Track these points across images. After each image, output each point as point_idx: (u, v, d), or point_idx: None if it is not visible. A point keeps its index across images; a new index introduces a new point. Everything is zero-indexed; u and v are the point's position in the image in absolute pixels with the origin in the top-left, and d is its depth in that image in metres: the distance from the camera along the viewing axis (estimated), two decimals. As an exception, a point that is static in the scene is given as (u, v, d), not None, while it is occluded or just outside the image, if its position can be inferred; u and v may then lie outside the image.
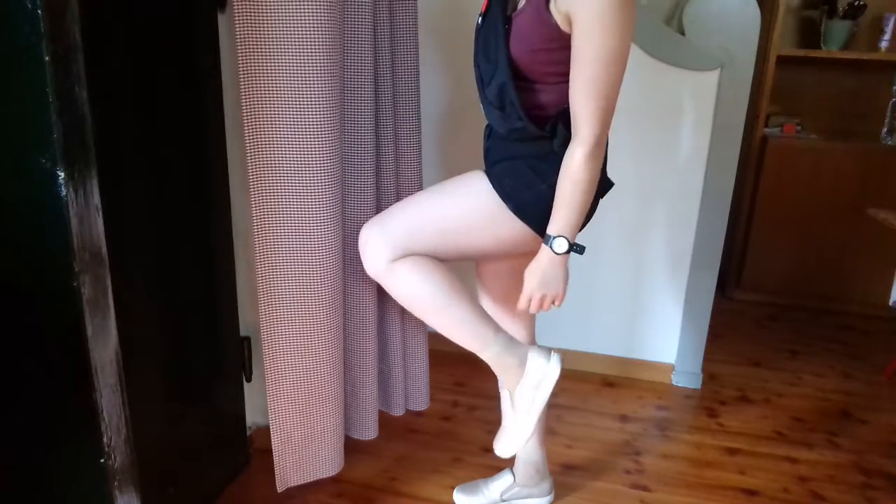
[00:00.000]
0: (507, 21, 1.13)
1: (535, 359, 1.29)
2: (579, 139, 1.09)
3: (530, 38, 1.10)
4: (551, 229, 1.15)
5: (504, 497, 1.60)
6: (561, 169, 1.13)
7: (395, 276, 1.24)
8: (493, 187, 1.21)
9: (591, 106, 1.07)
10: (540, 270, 1.18)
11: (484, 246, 1.25)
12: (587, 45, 1.03)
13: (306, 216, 1.35)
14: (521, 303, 1.21)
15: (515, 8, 1.15)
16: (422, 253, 1.23)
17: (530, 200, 1.19)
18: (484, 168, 1.29)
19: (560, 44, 1.08)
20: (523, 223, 1.20)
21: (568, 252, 1.16)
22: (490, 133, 1.31)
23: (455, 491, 1.62)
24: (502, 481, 1.61)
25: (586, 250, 1.88)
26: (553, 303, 1.20)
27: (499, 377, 1.34)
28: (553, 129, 1.16)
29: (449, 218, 1.23)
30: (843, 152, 2.86)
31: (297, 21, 1.22)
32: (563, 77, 1.12)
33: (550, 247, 1.15)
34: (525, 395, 1.29)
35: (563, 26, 1.06)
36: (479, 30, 1.20)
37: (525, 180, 1.19)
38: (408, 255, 1.23)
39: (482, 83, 1.21)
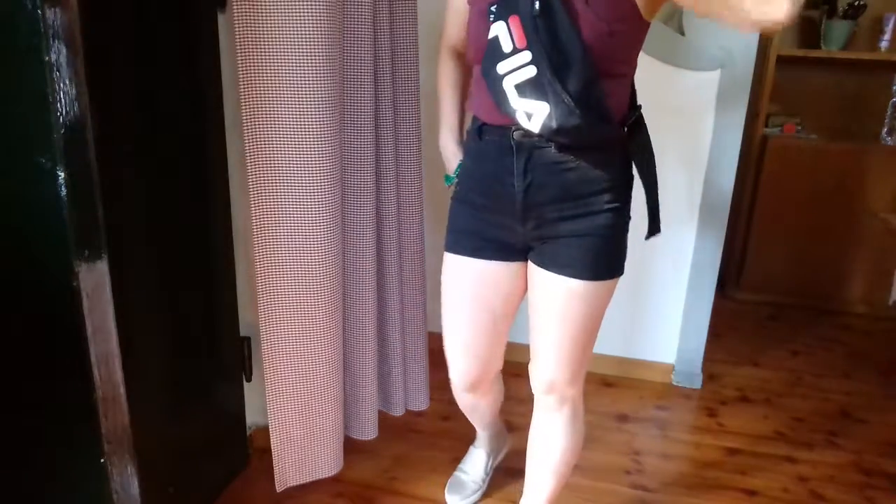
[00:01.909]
0: (567, 3, 0.96)
1: None
2: None
3: (607, 17, 0.96)
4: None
5: (488, 472, 1.66)
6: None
7: (580, 417, 1.27)
8: (613, 279, 1.14)
9: None
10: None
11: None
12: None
13: (306, 216, 1.35)
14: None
15: None
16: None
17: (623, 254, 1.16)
18: (514, 210, 1.11)
19: (632, 24, 0.99)
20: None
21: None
22: (527, 156, 1.07)
23: (446, 493, 1.62)
24: (478, 460, 1.66)
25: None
26: None
27: None
28: (629, 132, 1.08)
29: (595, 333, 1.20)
30: (843, 152, 2.86)
31: (297, 21, 1.22)
32: (629, 70, 1.06)
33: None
34: None
35: (642, 6, 0.98)
36: (532, 17, 0.96)
37: (624, 235, 1.15)
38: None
39: (557, 82, 0.95)
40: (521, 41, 0.97)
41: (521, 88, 0.98)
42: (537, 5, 0.95)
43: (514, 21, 0.97)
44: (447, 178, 1.31)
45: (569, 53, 0.95)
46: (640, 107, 1.11)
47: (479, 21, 1.04)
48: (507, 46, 0.98)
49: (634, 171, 1.16)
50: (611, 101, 1.02)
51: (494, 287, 1.20)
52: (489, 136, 1.11)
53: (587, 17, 0.95)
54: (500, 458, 1.71)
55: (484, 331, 1.24)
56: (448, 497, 1.60)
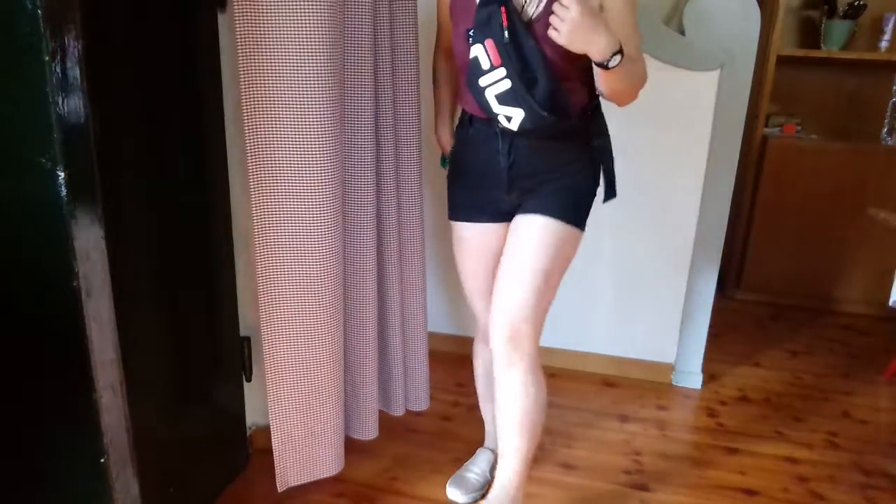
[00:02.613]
0: (528, 25, 1.19)
1: None
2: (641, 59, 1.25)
3: None
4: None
5: (493, 475, 1.61)
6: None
7: (538, 373, 1.34)
8: (576, 227, 1.32)
9: (639, 48, 1.25)
10: (592, 22, 1.09)
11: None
12: (624, 19, 1.20)
13: (306, 216, 1.35)
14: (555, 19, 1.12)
15: (529, 16, 1.20)
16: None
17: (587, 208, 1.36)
18: (500, 182, 1.33)
19: None
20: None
21: (606, 62, 1.12)
22: (510, 141, 1.28)
23: (448, 486, 1.62)
24: (484, 460, 1.67)
25: (585, 250, 1.90)
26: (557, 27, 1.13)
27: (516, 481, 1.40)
28: (583, 122, 1.30)
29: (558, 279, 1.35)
30: (843, 152, 2.86)
31: (297, 21, 1.22)
32: (586, 74, 1.24)
33: (615, 41, 1.11)
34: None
35: None
36: (507, 42, 1.17)
37: (587, 198, 1.35)
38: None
39: (525, 91, 1.17)
40: (496, 60, 1.18)
41: (501, 97, 1.19)
42: (506, 35, 1.17)
43: (490, 43, 1.18)
44: (444, 160, 1.55)
45: (535, 70, 1.17)
46: (598, 95, 1.31)
47: (461, 41, 1.25)
48: (485, 64, 1.19)
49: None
50: (574, 98, 1.25)
51: (487, 241, 1.42)
52: (478, 125, 1.33)
53: (548, 39, 1.12)
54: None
55: (488, 277, 1.44)
56: (449, 490, 1.61)
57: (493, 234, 1.41)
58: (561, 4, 1.08)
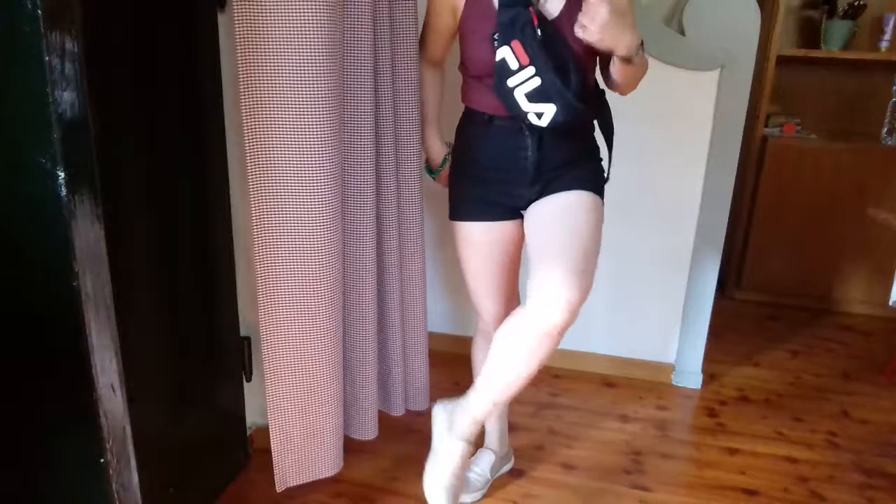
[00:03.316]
0: (552, 23, 1.24)
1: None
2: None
3: None
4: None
5: (493, 474, 1.67)
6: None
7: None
8: (598, 196, 1.36)
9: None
10: (622, 20, 1.16)
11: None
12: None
13: (306, 216, 1.35)
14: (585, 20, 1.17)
15: (550, 14, 1.25)
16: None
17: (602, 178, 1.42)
18: (525, 179, 1.34)
19: None
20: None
21: (629, 55, 1.21)
22: (539, 139, 1.31)
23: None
24: (485, 461, 1.67)
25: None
26: (588, 25, 1.17)
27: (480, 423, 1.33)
28: (603, 101, 1.40)
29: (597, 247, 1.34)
30: (843, 152, 2.86)
31: (297, 21, 1.22)
32: (594, 62, 1.33)
33: (639, 50, 1.23)
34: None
35: None
36: (537, 39, 1.21)
37: (601, 173, 1.41)
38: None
39: (561, 86, 1.21)
40: (524, 60, 1.21)
41: (530, 96, 1.23)
42: (539, 33, 1.21)
43: (517, 45, 1.21)
44: (431, 170, 1.57)
45: (566, 63, 1.22)
46: (598, 88, 1.40)
47: (482, 46, 1.26)
48: (513, 65, 1.22)
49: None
50: (589, 89, 1.31)
51: (497, 240, 1.43)
52: (500, 123, 1.33)
53: (573, 35, 1.19)
54: (503, 469, 1.71)
55: (497, 276, 1.47)
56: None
57: (501, 232, 1.42)
58: (590, 4, 1.13)
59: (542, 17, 1.22)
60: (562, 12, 1.24)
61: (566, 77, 1.21)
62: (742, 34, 1.93)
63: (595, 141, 1.43)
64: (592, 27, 1.14)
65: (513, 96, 1.24)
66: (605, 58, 1.29)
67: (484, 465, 1.65)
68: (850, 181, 2.86)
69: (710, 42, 1.96)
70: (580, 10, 1.17)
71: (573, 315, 1.23)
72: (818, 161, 2.88)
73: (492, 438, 1.68)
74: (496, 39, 1.22)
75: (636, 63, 1.23)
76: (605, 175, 1.43)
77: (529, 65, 1.21)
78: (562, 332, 1.24)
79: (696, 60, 1.98)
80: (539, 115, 1.24)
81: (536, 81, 1.21)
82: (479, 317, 1.55)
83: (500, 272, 1.46)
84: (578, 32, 1.17)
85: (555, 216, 1.31)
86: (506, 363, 1.26)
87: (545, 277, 1.23)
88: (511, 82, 1.23)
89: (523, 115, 1.26)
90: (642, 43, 1.22)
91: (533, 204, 1.36)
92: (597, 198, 1.35)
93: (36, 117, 0.84)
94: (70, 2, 0.85)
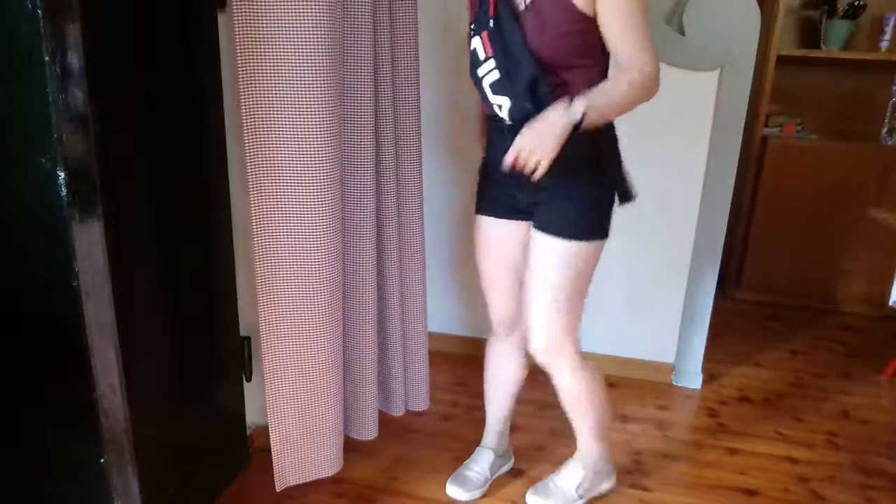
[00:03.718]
0: (516, 16, 1.20)
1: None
2: (639, 66, 1.19)
3: (556, 26, 1.17)
4: (577, 101, 1.15)
5: (492, 473, 1.66)
6: (609, 78, 1.22)
7: (582, 364, 1.42)
8: (584, 241, 1.32)
9: (642, 42, 1.19)
10: (543, 126, 1.15)
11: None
12: (619, 5, 1.15)
13: (306, 215, 1.35)
14: (508, 157, 1.17)
15: (516, 6, 1.21)
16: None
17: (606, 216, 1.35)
18: (511, 181, 1.31)
19: (582, 25, 1.18)
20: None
21: (576, 125, 1.15)
22: (512, 138, 1.27)
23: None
24: (484, 459, 1.66)
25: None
26: (535, 167, 1.15)
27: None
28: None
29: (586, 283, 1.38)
30: (843, 152, 2.86)
31: (297, 21, 1.22)
32: (590, 59, 1.23)
33: (567, 108, 1.14)
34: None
35: (583, 7, 1.15)
36: (492, 32, 1.23)
37: (597, 205, 1.33)
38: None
39: (507, 82, 1.23)
40: (488, 51, 1.24)
41: (493, 87, 1.25)
42: (492, 23, 1.22)
43: (484, 35, 1.23)
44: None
45: (517, 59, 1.20)
46: None
47: (468, 37, 1.30)
48: (481, 55, 1.25)
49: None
50: (570, 90, 1.22)
51: (507, 239, 1.43)
52: (494, 121, 1.34)
53: (533, 29, 1.18)
54: (503, 469, 1.71)
55: (506, 274, 1.46)
56: (449, 488, 1.61)
57: (507, 231, 1.42)
58: (516, 148, 1.15)
59: (506, 8, 1.20)
60: (528, 5, 1.20)
61: (514, 72, 1.21)
62: (742, 34, 1.93)
63: (587, 150, 1.27)
64: (531, 159, 1.14)
65: (482, 85, 1.27)
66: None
67: (483, 464, 1.65)
68: (850, 181, 2.86)
69: (710, 42, 1.96)
70: (552, 4, 1.16)
71: (551, 353, 1.39)
72: (818, 161, 2.88)
73: (490, 437, 1.68)
74: (472, 30, 1.27)
75: (594, 117, 1.16)
76: (624, 196, 1.35)
77: (491, 57, 1.23)
78: (553, 363, 1.41)
79: (696, 60, 1.98)
80: (500, 108, 1.26)
81: (496, 74, 1.23)
82: (489, 311, 1.56)
83: (505, 272, 1.46)
84: (531, 172, 1.17)
85: (533, 262, 1.35)
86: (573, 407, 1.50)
87: (530, 333, 1.39)
88: (479, 72, 1.26)
89: (490, 107, 1.28)
90: (581, 111, 1.14)
91: (532, 229, 1.36)
92: (574, 245, 1.31)
93: (36, 117, 0.84)
94: (70, 2, 0.85)
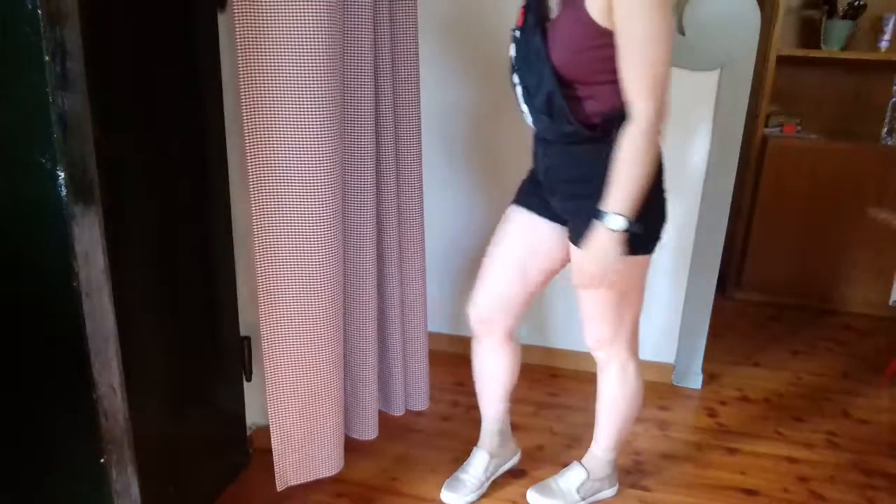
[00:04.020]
0: (544, 29, 1.19)
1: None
2: (634, 116, 1.13)
3: (573, 40, 1.15)
4: (606, 206, 1.17)
5: (488, 475, 1.64)
6: (617, 147, 1.16)
7: (629, 370, 1.46)
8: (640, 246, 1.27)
9: (643, 83, 1.11)
10: (596, 247, 1.20)
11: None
12: (631, 27, 1.08)
13: (306, 215, 1.35)
14: (577, 280, 1.24)
15: (548, 17, 1.20)
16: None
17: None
18: (546, 186, 1.35)
19: (604, 41, 1.12)
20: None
21: (626, 230, 1.17)
22: (545, 145, 1.32)
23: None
24: (479, 462, 1.64)
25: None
26: (610, 279, 1.21)
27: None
28: (608, 130, 1.19)
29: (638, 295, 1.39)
30: (843, 152, 2.86)
31: (297, 21, 1.22)
32: (614, 75, 1.15)
33: (605, 223, 1.17)
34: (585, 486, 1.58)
35: (603, 21, 1.11)
36: (518, 42, 1.24)
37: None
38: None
39: (527, 94, 1.24)
40: (515, 61, 1.26)
41: (522, 94, 1.27)
42: (518, 34, 1.23)
43: (514, 45, 1.25)
44: None
45: (537, 71, 1.19)
46: (622, 113, 1.17)
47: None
48: (514, 63, 1.26)
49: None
50: (588, 105, 1.20)
51: (530, 230, 1.41)
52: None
53: (554, 43, 1.16)
54: (505, 466, 1.70)
55: (510, 271, 1.44)
56: (443, 493, 1.61)
57: (533, 225, 1.40)
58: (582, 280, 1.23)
59: (535, 17, 1.20)
60: (558, 14, 1.19)
61: (536, 85, 1.21)
62: (742, 34, 1.93)
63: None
64: (593, 282, 1.21)
65: (515, 91, 1.28)
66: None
67: (477, 466, 1.63)
68: (850, 181, 2.86)
69: (710, 42, 1.96)
70: (570, 18, 1.14)
71: (601, 346, 1.42)
72: (818, 161, 2.88)
73: (485, 438, 1.67)
74: (513, 37, 1.27)
75: (631, 200, 1.16)
76: (655, 216, 1.27)
77: (517, 67, 1.25)
78: (601, 358, 1.46)
79: (696, 60, 1.98)
80: (526, 115, 1.29)
81: (520, 84, 1.26)
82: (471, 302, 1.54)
83: (507, 260, 1.43)
84: (592, 288, 1.25)
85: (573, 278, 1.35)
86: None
87: (584, 325, 1.43)
88: (514, 79, 1.27)
89: (522, 112, 1.29)
90: (621, 215, 1.16)
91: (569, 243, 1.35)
92: (643, 260, 1.32)
93: (36, 117, 0.84)
94: (70, 2, 0.85)
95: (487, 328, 1.51)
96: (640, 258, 1.29)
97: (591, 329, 1.41)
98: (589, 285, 1.24)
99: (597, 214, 1.19)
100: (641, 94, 1.12)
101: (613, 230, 1.17)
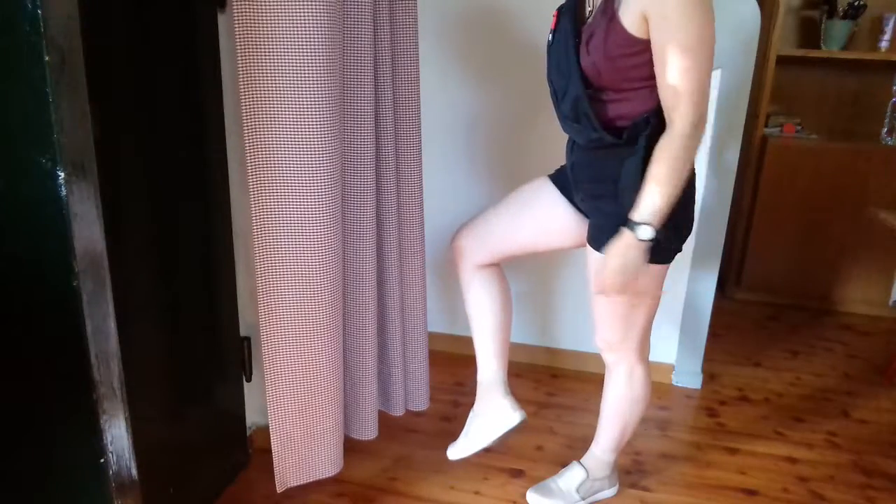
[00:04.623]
0: (578, 34, 1.18)
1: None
2: (673, 129, 1.11)
3: (605, 48, 1.12)
4: (636, 215, 1.15)
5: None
6: (653, 156, 1.13)
7: (637, 373, 1.46)
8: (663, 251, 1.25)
9: (681, 93, 1.08)
10: (621, 255, 1.17)
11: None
12: (669, 37, 1.05)
13: (306, 216, 1.35)
14: (597, 286, 1.23)
15: (584, 21, 1.19)
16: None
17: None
18: (572, 180, 1.36)
19: (638, 48, 1.10)
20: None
21: (652, 240, 1.15)
22: (573, 143, 1.34)
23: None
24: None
25: (584, 251, 1.91)
26: (631, 287, 1.21)
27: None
28: (633, 137, 1.17)
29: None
30: (843, 152, 2.86)
31: (297, 21, 1.22)
32: (645, 82, 1.14)
33: (634, 232, 1.15)
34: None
35: (636, 31, 1.08)
36: (551, 46, 1.25)
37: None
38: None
39: (556, 97, 1.27)
40: (548, 64, 1.28)
41: (552, 98, 1.30)
42: (551, 37, 1.24)
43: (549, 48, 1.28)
44: None
45: (566, 75, 1.20)
46: (649, 119, 1.17)
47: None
48: (548, 66, 1.28)
49: None
50: (613, 111, 1.19)
51: (547, 204, 1.42)
52: None
53: (585, 49, 1.15)
54: (501, 425, 1.54)
55: (510, 218, 1.45)
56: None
57: (554, 202, 1.41)
58: (605, 286, 1.20)
59: (569, 22, 1.19)
60: (592, 19, 1.16)
61: (564, 89, 1.21)
62: (742, 34, 1.93)
63: (636, 171, 1.20)
64: (614, 288, 1.19)
65: (553, 92, 1.30)
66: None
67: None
68: (850, 181, 2.86)
69: (710, 42, 1.96)
70: (604, 26, 1.12)
71: (611, 348, 1.43)
72: (818, 161, 2.88)
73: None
74: (547, 40, 1.29)
75: (662, 208, 1.13)
76: (676, 225, 1.22)
77: (549, 70, 1.28)
78: (610, 359, 1.47)
79: (696, 60, 1.98)
80: (558, 117, 1.31)
81: (552, 86, 1.29)
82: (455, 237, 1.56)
83: (517, 220, 1.44)
84: (612, 294, 1.23)
85: (589, 277, 1.35)
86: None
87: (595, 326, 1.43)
88: (552, 80, 1.29)
89: (559, 114, 1.31)
90: (646, 223, 1.15)
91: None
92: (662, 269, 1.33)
93: (36, 117, 0.84)
94: (70, 2, 0.85)
95: (459, 252, 1.53)
96: (658, 267, 1.28)
97: (601, 331, 1.41)
98: (609, 291, 1.22)
99: (625, 222, 1.17)
100: (680, 104, 1.09)
101: (641, 240, 1.15)
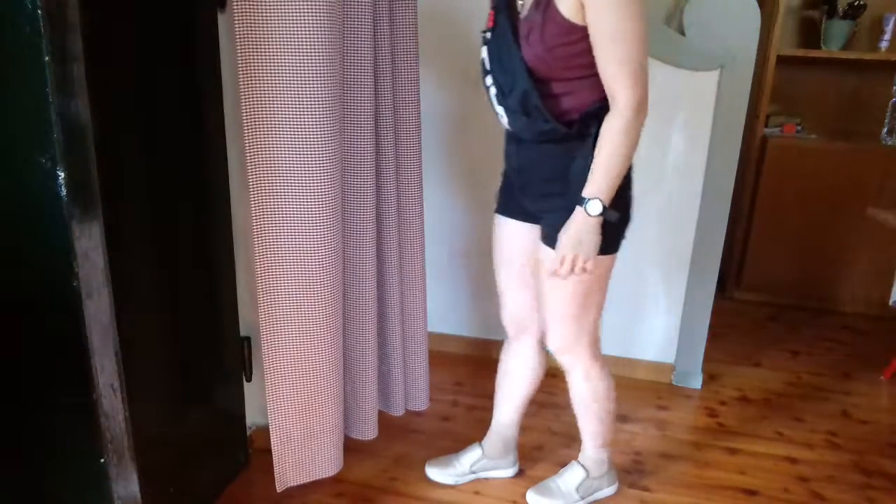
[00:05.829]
0: (515, 28, 1.18)
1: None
2: (616, 108, 1.14)
3: (544, 38, 1.14)
4: (587, 192, 1.19)
5: (473, 469, 1.67)
6: (600, 136, 1.17)
7: (594, 370, 1.47)
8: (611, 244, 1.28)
9: (622, 75, 1.12)
10: (574, 232, 1.21)
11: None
12: (604, 23, 1.09)
13: (306, 216, 1.35)
14: (553, 264, 1.24)
15: (518, 17, 1.20)
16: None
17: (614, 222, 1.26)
18: (518, 185, 1.36)
19: (576, 36, 1.13)
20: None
21: (601, 215, 1.19)
22: (517, 144, 1.32)
23: (427, 465, 1.68)
24: (472, 454, 1.68)
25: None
26: (583, 266, 1.22)
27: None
28: (584, 126, 1.20)
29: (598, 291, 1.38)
30: (843, 152, 2.86)
31: (297, 21, 1.22)
32: (589, 71, 1.16)
33: (585, 208, 1.18)
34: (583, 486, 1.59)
35: (573, 17, 1.11)
36: (489, 43, 1.25)
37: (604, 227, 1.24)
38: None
39: (502, 94, 1.24)
40: (487, 63, 1.26)
41: (495, 97, 1.26)
42: (489, 35, 1.24)
43: (486, 47, 1.26)
44: None
45: (510, 71, 1.20)
46: (600, 105, 1.20)
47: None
48: (486, 66, 1.26)
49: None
50: (564, 102, 1.21)
51: (512, 237, 1.45)
52: (505, 129, 1.35)
53: (526, 41, 1.16)
54: (494, 472, 1.69)
55: (509, 271, 1.49)
56: (427, 467, 1.69)
57: (513, 231, 1.44)
58: (559, 258, 1.22)
59: (506, 19, 1.20)
60: (528, 12, 1.18)
61: (510, 85, 1.21)
62: (742, 34, 1.93)
63: (585, 163, 1.23)
64: (577, 266, 1.22)
65: (489, 94, 1.28)
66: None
67: (466, 457, 1.68)
68: (850, 181, 2.86)
69: (710, 42, 1.96)
70: (541, 17, 1.13)
71: (563, 351, 1.43)
72: (818, 161, 2.88)
73: (489, 439, 1.69)
74: (483, 39, 1.27)
75: (610, 186, 1.18)
76: (623, 216, 1.27)
77: (490, 68, 1.25)
78: (565, 362, 1.46)
79: (696, 60, 1.98)
80: (501, 117, 1.28)
81: (494, 85, 1.25)
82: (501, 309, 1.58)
83: (509, 268, 1.48)
84: (569, 276, 1.24)
85: (536, 274, 1.38)
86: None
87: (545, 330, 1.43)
88: (486, 81, 1.27)
89: (496, 115, 1.29)
90: (596, 200, 1.18)
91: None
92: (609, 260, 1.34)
93: (36, 117, 0.84)
94: (70, 2, 0.85)
95: (518, 328, 1.55)
96: (606, 257, 1.30)
97: (554, 331, 1.41)
98: (564, 271, 1.23)
99: (578, 201, 1.20)
100: (621, 87, 1.13)
101: (591, 215, 1.19)
